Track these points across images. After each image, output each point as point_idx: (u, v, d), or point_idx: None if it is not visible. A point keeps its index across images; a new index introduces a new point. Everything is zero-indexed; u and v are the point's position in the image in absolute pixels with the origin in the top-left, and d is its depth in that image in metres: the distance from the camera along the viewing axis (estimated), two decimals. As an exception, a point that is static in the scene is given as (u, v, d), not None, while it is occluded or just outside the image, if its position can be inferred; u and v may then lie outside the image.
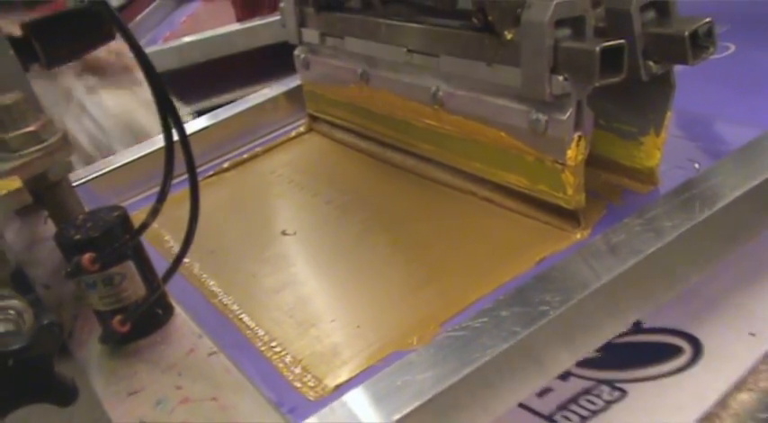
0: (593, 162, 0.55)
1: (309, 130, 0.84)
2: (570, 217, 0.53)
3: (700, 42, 0.48)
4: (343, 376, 0.44)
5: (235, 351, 0.46)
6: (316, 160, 0.77)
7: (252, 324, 0.52)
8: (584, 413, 0.46)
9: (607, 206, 0.54)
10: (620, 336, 0.47)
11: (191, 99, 1.18)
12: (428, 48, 0.60)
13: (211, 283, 0.58)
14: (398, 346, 0.46)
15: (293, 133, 0.83)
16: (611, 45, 0.47)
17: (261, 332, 0.51)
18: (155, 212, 0.41)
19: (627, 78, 0.48)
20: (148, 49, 1.28)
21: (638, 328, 0.51)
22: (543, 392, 0.48)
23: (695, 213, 0.46)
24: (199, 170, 0.68)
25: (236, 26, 1.27)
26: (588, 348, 0.43)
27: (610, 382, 0.48)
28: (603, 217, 0.53)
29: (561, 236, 0.53)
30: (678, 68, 0.52)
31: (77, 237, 0.43)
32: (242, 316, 0.53)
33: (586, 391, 0.48)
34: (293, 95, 0.86)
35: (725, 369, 0.47)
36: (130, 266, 0.44)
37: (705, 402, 0.45)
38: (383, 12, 0.68)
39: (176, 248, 0.58)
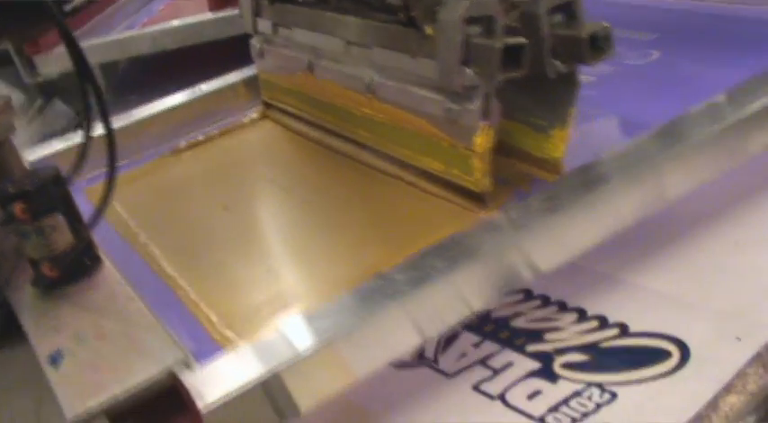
0: (509, 152, 0.61)
1: (263, 116, 0.88)
2: (479, 199, 0.58)
3: (599, 44, 0.53)
4: (256, 328, 0.49)
5: (158, 302, 0.50)
6: (265, 145, 0.82)
7: (182, 282, 0.58)
8: (575, 415, 0.47)
9: (515, 192, 0.59)
10: (608, 340, 0.51)
11: (164, 86, 1.22)
12: (363, 40, 0.65)
13: (154, 250, 0.63)
14: (310, 305, 0.51)
15: (247, 119, 0.88)
16: (513, 43, 0.52)
17: (188, 288, 0.56)
18: (77, 167, 0.46)
19: (539, 75, 0.54)
20: (120, 36, 1.32)
21: (624, 332, 0.52)
22: (533, 395, 0.49)
23: (582, 195, 0.51)
24: (158, 149, 0.78)
25: (207, 15, 1.30)
26: (470, 311, 0.48)
27: (600, 385, 0.48)
28: (510, 201, 0.58)
29: (470, 216, 0.57)
30: (603, 70, 0.56)
31: (11, 190, 0.47)
32: (172, 273, 0.59)
33: (577, 394, 0.48)
34: (251, 83, 0.90)
35: (712, 372, 0.47)
36: (60, 218, 0.49)
37: (695, 404, 0.45)
38: (330, 5, 0.72)
39: (131, 222, 0.64)
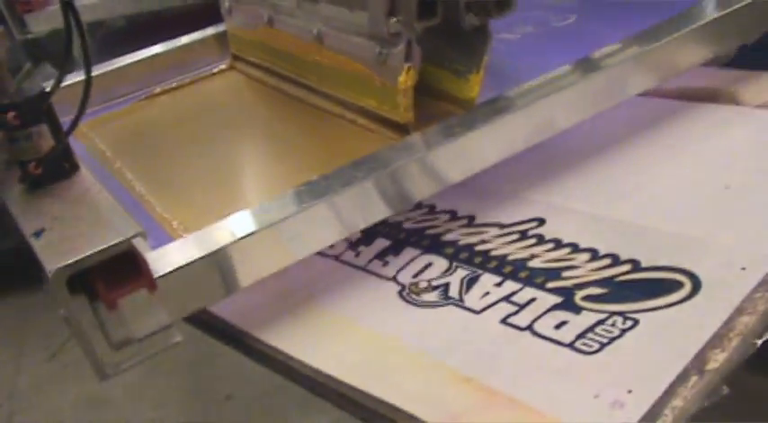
0: (435, 94, 0.72)
1: (231, 67, 1.00)
2: (404, 130, 0.70)
3: (505, 1, 0.65)
4: (202, 224, 0.59)
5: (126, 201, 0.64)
6: (230, 91, 0.94)
7: (149, 197, 0.70)
8: (603, 340, 0.51)
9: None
10: (623, 274, 0.57)
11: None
12: None
13: (126, 172, 0.75)
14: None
15: (216, 70, 0.99)
16: None
17: (154, 201, 0.69)
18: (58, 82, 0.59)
19: (458, 27, 0.64)
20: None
21: (637, 266, 0.57)
22: (560, 325, 0.53)
23: (480, 121, 0.64)
24: (135, 94, 0.91)
25: None
26: (383, 213, 0.60)
27: (621, 314, 0.53)
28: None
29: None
30: (526, 30, 0.69)
31: (6, 101, 0.60)
32: (140, 190, 0.71)
33: (601, 322, 0.52)
34: (222, 38, 1.01)
35: (723, 297, 0.52)
36: (44, 127, 0.61)
37: (712, 325, 0.49)
38: None
39: (108, 153, 0.78)
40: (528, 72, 0.72)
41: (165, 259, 0.52)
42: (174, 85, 0.96)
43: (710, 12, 0.77)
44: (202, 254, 0.52)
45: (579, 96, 0.69)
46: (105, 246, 0.51)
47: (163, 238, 0.60)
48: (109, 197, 0.60)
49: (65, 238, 0.54)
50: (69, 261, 0.50)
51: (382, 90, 0.71)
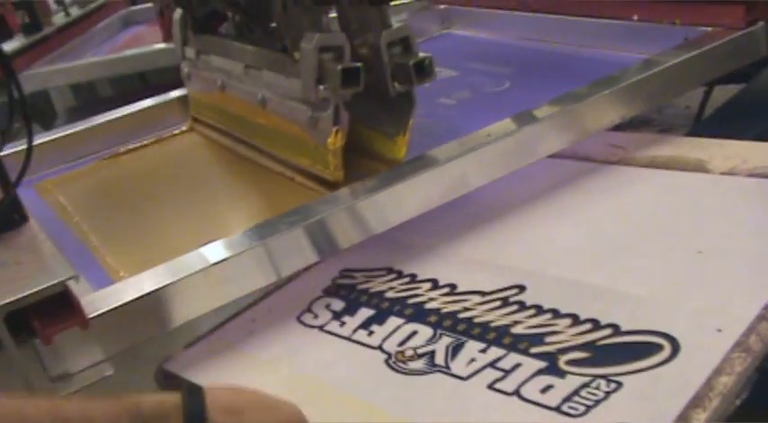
0: (368, 155, 0.78)
1: (191, 129, 1.02)
2: (335, 187, 0.74)
3: (424, 70, 0.70)
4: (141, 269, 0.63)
5: (80, 258, 0.69)
6: (189, 151, 0.98)
7: (99, 245, 0.75)
8: (588, 403, 0.52)
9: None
10: (604, 338, 0.58)
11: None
12: (256, 64, 0.81)
13: (83, 224, 0.81)
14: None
15: (178, 131, 1.02)
16: (350, 66, 0.66)
17: (102, 248, 0.75)
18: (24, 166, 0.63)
19: (386, 93, 0.70)
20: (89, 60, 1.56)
21: (617, 331, 0.58)
22: (546, 389, 0.54)
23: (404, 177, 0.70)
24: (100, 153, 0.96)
25: (160, 46, 1.46)
26: (307, 261, 0.66)
27: (605, 377, 0.54)
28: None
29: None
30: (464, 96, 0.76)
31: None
32: (94, 240, 0.77)
33: (585, 386, 0.53)
34: (184, 100, 1.03)
35: (702, 359, 0.52)
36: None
37: (692, 386, 0.50)
38: (237, 36, 0.88)
39: (69, 207, 0.84)
40: (456, 134, 0.77)
41: (100, 301, 0.58)
42: (137, 145, 1.00)
43: (623, 79, 0.82)
44: (134, 296, 0.58)
45: (492, 156, 0.74)
46: (41, 287, 0.56)
47: (109, 283, 0.65)
48: (51, 246, 0.64)
49: (6, 280, 0.58)
50: (7, 300, 0.55)
51: (315, 150, 0.75)
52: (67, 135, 0.97)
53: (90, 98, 1.76)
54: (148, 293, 0.59)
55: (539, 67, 1.04)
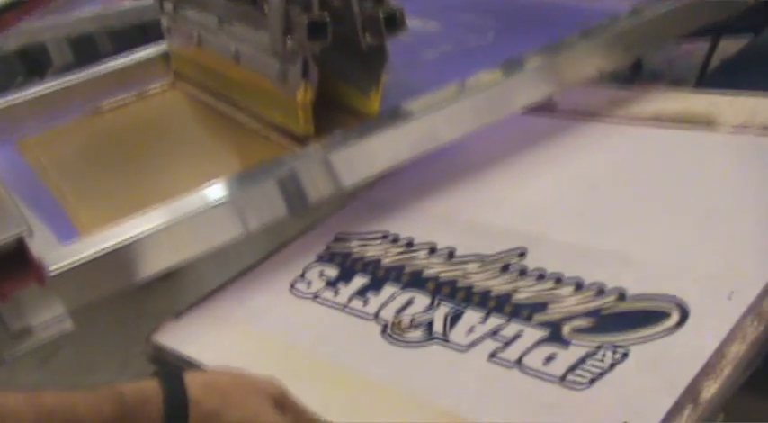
0: (344, 109, 0.75)
1: (173, 84, 0.97)
2: (305, 142, 0.72)
3: (395, 23, 0.67)
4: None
5: (48, 212, 0.67)
6: (169, 108, 0.95)
7: (71, 198, 0.74)
8: (593, 373, 0.50)
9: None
10: (609, 304, 0.55)
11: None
12: (229, 18, 0.77)
13: (55, 175, 0.79)
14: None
15: (159, 87, 0.98)
16: (316, 18, 0.64)
17: (75, 202, 0.73)
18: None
19: (359, 47, 0.66)
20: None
21: (622, 297, 0.55)
22: (548, 359, 0.52)
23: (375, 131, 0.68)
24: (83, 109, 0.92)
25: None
26: (276, 214, 0.64)
27: (610, 345, 0.51)
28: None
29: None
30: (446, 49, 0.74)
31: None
32: (68, 194, 0.74)
33: (590, 355, 0.51)
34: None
35: (713, 326, 0.50)
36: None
37: (703, 355, 0.48)
38: None
39: (44, 160, 0.82)
40: (436, 88, 0.75)
41: (61, 257, 0.57)
42: (119, 101, 0.97)
43: (602, 30, 0.80)
44: (94, 252, 0.57)
45: (462, 111, 0.73)
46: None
47: (74, 233, 0.65)
48: (10, 201, 0.63)
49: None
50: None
51: (286, 105, 0.73)
52: (51, 91, 0.94)
53: (90, 53, 1.68)
54: (108, 249, 0.58)
55: (525, 18, 0.99)
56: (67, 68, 1.16)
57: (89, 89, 0.95)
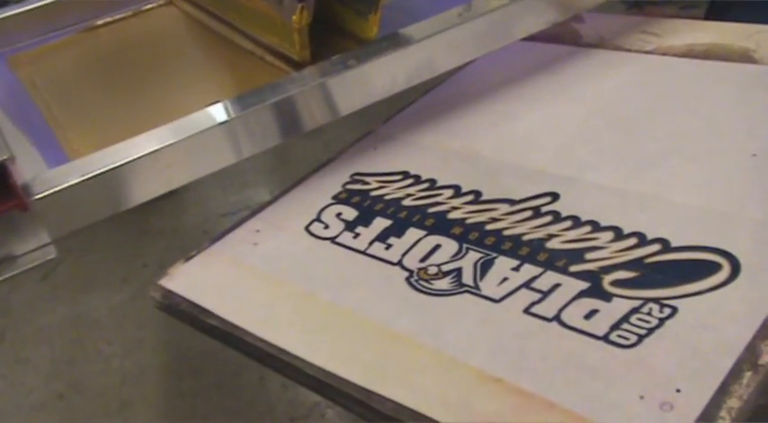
0: (342, 33, 0.72)
1: (169, 2, 0.92)
2: (302, 67, 0.68)
3: None
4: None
5: (36, 132, 0.65)
6: (163, 26, 0.89)
7: (62, 121, 0.70)
8: (640, 331, 0.46)
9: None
10: (652, 255, 0.52)
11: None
12: None
13: (48, 97, 0.75)
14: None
15: (156, 4, 0.93)
16: None
17: (65, 123, 0.69)
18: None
19: None
20: None
21: (666, 246, 0.51)
22: (590, 314, 0.48)
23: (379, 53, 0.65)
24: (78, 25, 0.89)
25: None
26: (271, 142, 0.63)
27: (657, 300, 0.48)
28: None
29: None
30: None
31: None
32: (61, 120, 0.71)
33: (635, 311, 0.47)
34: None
35: None
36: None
37: (760, 313, 0.45)
38: None
39: (37, 79, 0.78)
40: (434, 12, 0.71)
41: (45, 182, 0.55)
42: (115, 17, 0.93)
43: None
44: (80, 177, 0.56)
45: (463, 36, 0.69)
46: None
47: (63, 157, 0.63)
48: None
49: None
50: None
51: (282, 28, 0.70)
52: (45, 5, 0.90)
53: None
54: (95, 174, 0.56)
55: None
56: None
57: (84, 4, 0.91)
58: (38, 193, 0.55)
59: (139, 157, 0.58)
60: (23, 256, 0.57)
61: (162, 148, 0.58)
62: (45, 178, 0.57)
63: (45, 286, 1.39)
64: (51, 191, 0.56)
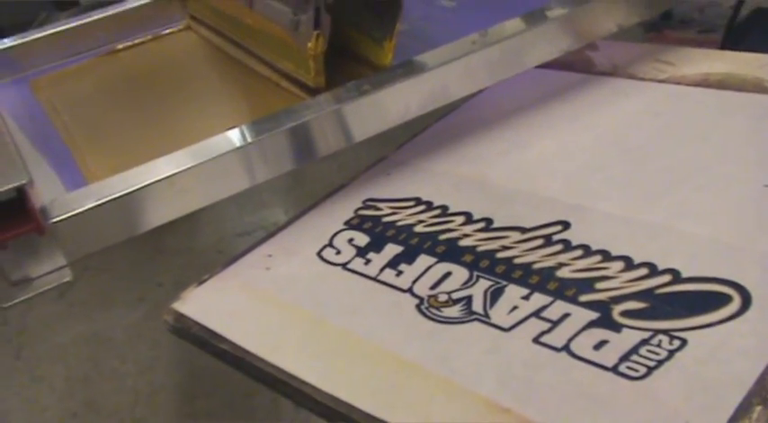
0: (358, 59, 0.73)
1: (188, 27, 0.94)
2: (317, 93, 0.69)
3: None
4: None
5: (56, 158, 0.67)
6: (182, 50, 0.92)
7: (81, 145, 0.72)
8: (650, 363, 0.46)
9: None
10: (663, 285, 0.52)
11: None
12: None
13: (68, 120, 0.77)
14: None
15: (175, 29, 0.95)
16: None
17: (84, 149, 0.71)
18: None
19: None
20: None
21: (677, 277, 0.51)
22: (599, 345, 0.48)
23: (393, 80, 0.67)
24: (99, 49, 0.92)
25: None
26: (291, 166, 0.64)
27: (666, 332, 0.47)
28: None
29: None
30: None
31: None
32: (79, 143, 0.73)
33: (645, 342, 0.47)
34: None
35: None
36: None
37: None
38: None
39: (57, 103, 0.80)
40: (453, 39, 0.72)
41: (62, 206, 0.57)
42: (134, 42, 0.96)
43: None
44: (97, 201, 0.57)
45: (477, 64, 0.70)
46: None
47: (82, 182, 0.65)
48: (12, 147, 0.60)
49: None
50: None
51: (297, 55, 0.71)
52: (67, 29, 0.93)
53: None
54: (111, 199, 0.57)
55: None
56: (94, 7, 1.14)
57: (106, 29, 0.94)
58: (55, 217, 0.57)
59: (156, 181, 0.59)
60: (39, 278, 0.58)
61: (179, 172, 0.60)
62: (62, 202, 0.58)
63: (61, 305, 1.39)
64: (68, 215, 0.57)
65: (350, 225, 0.67)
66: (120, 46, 0.94)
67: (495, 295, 0.56)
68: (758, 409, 0.43)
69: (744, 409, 0.43)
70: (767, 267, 0.52)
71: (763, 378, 0.44)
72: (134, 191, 0.58)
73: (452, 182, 0.70)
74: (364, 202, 0.70)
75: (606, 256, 0.56)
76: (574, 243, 0.58)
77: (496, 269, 0.58)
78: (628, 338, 0.49)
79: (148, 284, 1.25)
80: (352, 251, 0.64)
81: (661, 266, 0.54)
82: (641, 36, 1.43)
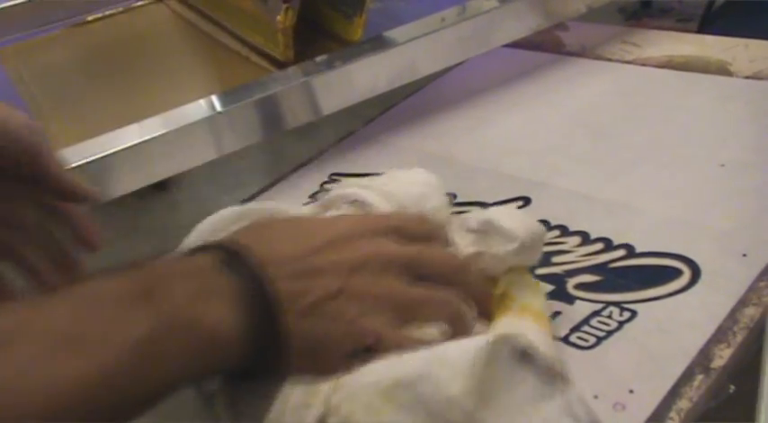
0: (327, 35, 0.74)
1: (159, 0, 0.94)
2: (285, 67, 0.70)
3: None
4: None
5: None
6: (152, 23, 0.92)
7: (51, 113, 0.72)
8: (599, 334, 0.47)
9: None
10: (617, 260, 0.53)
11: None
12: None
13: (35, 90, 0.78)
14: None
15: (147, 1, 0.96)
16: None
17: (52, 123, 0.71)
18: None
19: None
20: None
21: (631, 252, 0.53)
22: (553, 316, 0.49)
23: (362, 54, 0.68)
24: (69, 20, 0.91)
25: None
26: (251, 139, 0.64)
27: (617, 304, 0.49)
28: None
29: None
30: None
31: None
32: (46, 113, 0.73)
33: (596, 314, 0.49)
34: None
35: (726, 287, 0.48)
36: None
37: (715, 318, 0.46)
38: None
39: (24, 73, 0.81)
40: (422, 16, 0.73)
41: None
42: (105, 13, 0.96)
43: None
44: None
45: (446, 41, 0.71)
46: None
47: None
48: None
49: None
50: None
51: (267, 28, 0.72)
52: (35, 0, 0.92)
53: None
54: (76, 166, 0.57)
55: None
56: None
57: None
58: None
59: (122, 149, 0.59)
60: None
61: (145, 140, 0.59)
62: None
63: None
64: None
65: (315, 198, 0.68)
66: (90, 17, 0.94)
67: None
68: (700, 377, 0.45)
69: (686, 377, 0.45)
70: (718, 242, 0.53)
71: (706, 348, 0.46)
72: (100, 158, 0.58)
73: (418, 157, 0.70)
74: (330, 176, 0.71)
75: (564, 231, 0.57)
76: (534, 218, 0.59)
77: (457, 241, 0.59)
78: (580, 310, 0.50)
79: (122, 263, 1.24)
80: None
81: (616, 241, 0.55)
82: (621, 24, 1.44)
